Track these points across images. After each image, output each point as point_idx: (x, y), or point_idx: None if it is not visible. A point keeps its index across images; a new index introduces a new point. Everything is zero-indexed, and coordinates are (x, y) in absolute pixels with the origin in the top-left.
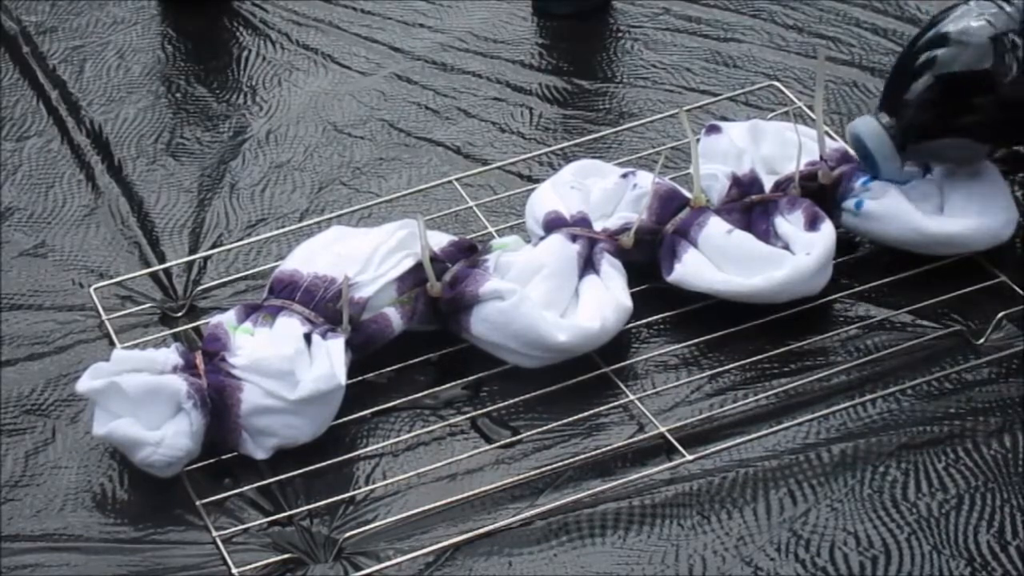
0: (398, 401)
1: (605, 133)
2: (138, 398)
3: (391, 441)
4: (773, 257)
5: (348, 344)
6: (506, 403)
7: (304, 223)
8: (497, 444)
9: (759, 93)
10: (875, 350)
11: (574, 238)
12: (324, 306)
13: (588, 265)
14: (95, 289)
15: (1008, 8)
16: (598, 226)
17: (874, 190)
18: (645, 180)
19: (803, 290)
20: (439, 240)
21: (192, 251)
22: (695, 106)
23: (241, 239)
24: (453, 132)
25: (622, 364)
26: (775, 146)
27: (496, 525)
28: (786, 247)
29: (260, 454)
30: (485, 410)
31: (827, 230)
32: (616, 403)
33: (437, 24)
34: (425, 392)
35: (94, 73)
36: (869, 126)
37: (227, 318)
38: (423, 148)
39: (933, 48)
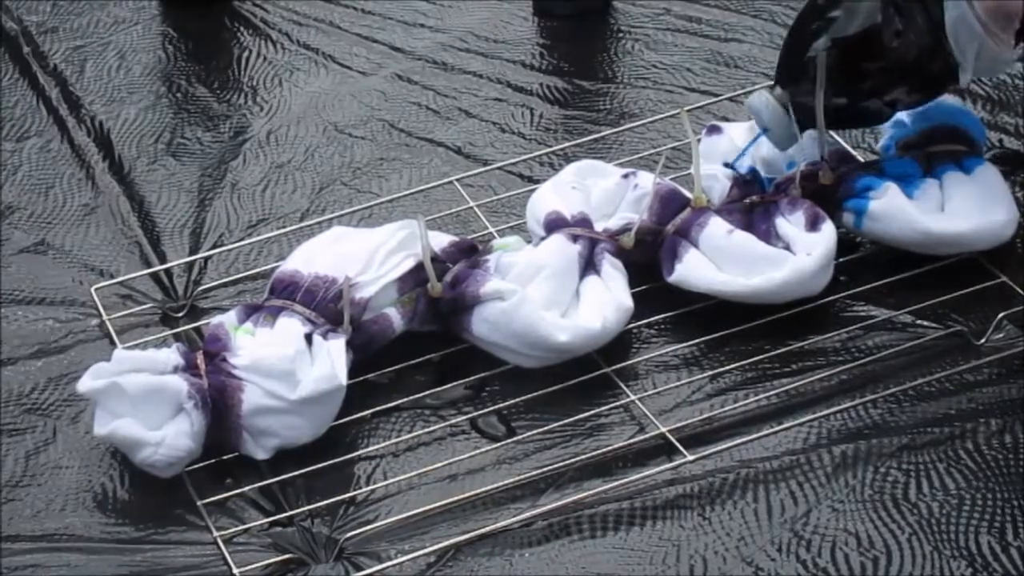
0: (399, 401)
1: (606, 133)
2: (139, 398)
3: (392, 441)
4: (774, 258)
5: (349, 344)
6: (507, 403)
7: (305, 223)
8: (498, 444)
9: None
10: (876, 350)
11: (575, 238)
12: (325, 306)
13: (589, 265)
14: (96, 289)
15: None
16: (599, 226)
17: (876, 190)
18: (646, 180)
19: (804, 290)
20: (440, 240)
21: (193, 251)
22: (696, 106)
23: (242, 239)
24: (454, 132)
25: (623, 364)
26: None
27: (497, 525)
28: (787, 247)
29: (261, 454)
30: (486, 410)
31: (828, 231)
32: (617, 403)
33: (437, 24)
34: (426, 392)
35: (95, 73)
36: (763, 101)
37: (228, 318)
38: (424, 148)
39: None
